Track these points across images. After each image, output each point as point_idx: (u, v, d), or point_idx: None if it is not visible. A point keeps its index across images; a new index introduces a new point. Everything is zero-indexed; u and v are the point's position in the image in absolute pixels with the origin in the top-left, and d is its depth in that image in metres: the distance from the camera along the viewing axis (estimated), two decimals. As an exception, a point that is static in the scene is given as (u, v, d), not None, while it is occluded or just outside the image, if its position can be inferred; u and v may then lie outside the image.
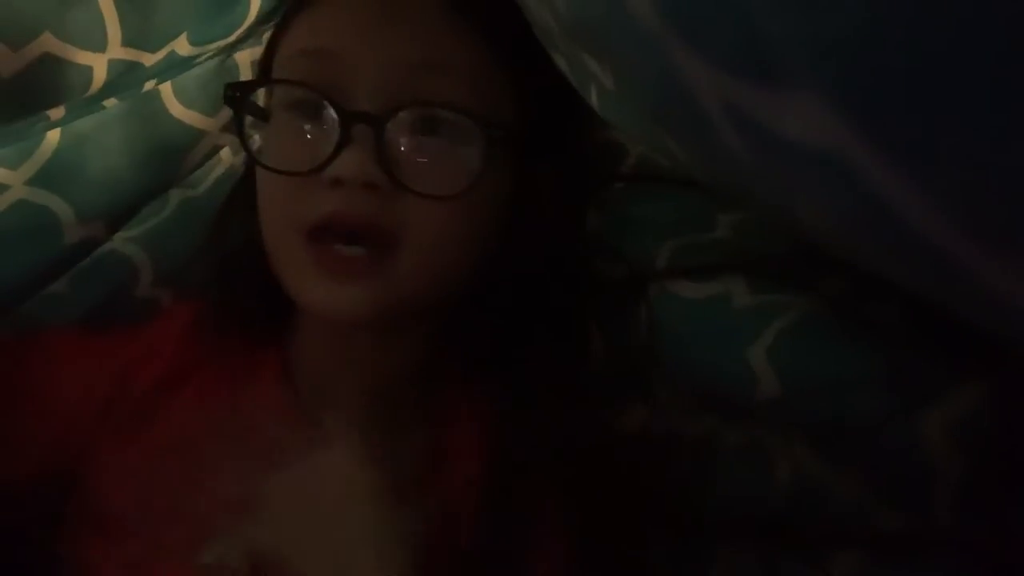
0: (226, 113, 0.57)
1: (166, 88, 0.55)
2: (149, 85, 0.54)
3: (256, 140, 0.53)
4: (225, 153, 0.61)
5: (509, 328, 0.50)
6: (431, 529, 0.47)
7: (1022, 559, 0.36)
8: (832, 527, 0.42)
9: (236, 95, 0.48)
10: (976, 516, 0.37)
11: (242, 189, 0.53)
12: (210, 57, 0.56)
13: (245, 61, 0.58)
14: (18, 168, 0.50)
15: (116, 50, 0.52)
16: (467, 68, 0.47)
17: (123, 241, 0.58)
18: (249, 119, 0.50)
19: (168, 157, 0.56)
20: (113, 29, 0.52)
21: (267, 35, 0.55)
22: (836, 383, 0.41)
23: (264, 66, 0.52)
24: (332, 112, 0.45)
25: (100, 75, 0.52)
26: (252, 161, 0.48)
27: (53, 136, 0.51)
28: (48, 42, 0.50)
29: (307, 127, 0.46)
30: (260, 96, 0.52)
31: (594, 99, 0.41)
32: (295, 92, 0.47)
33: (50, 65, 0.50)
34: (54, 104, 0.51)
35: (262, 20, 0.56)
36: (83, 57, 0.51)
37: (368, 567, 0.47)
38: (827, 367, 0.42)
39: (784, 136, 0.22)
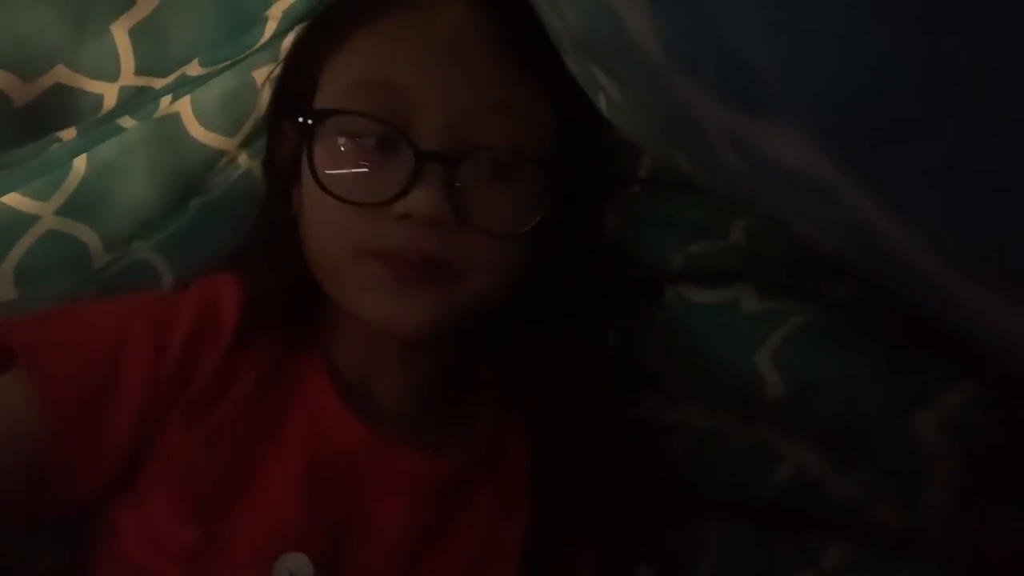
0: (245, 131, 0.57)
1: (185, 110, 0.55)
2: (164, 102, 0.54)
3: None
4: (243, 158, 0.60)
5: (538, 333, 0.53)
6: (484, 527, 0.49)
7: (1009, 555, 0.37)
8: (824, 519, 0.44)
9: (307, 123, 0.47)
10: (966, 513, 0.38)
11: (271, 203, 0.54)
12: (221, 71, 0.56)
13: (263, 78, 0.57)
14: (48, 199, 0.51)
15: (128, 78, 0.53)
16: (524, 106, 0.48)
17: (143, 249, 0.55)
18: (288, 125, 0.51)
19: (190, 178, 0.55)
20: (127, 59, 0.52)
21: (285, 46, 0.56)
22: (838, 385, 0.43)
23: (300, 81, 0.51)
24: (404, 148, 0.45)
25: (110, 101, 0.53)
26: (322, 188, 0.47)
27: (79, 165, 0.51)
28: (61, 73, 0.51)
29: (373, 158, 0.46)
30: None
31: (603, 106, 0.42)
32: (359, 122, 0.46)
33: (62, 94, 0.51)
34: (64, 127, 0.52)
35: (278, 35, 0.57)
36: (95, 86, 0.52)
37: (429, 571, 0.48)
38: (830, 370, 0.43)
39: (773, 159, 0.22)
